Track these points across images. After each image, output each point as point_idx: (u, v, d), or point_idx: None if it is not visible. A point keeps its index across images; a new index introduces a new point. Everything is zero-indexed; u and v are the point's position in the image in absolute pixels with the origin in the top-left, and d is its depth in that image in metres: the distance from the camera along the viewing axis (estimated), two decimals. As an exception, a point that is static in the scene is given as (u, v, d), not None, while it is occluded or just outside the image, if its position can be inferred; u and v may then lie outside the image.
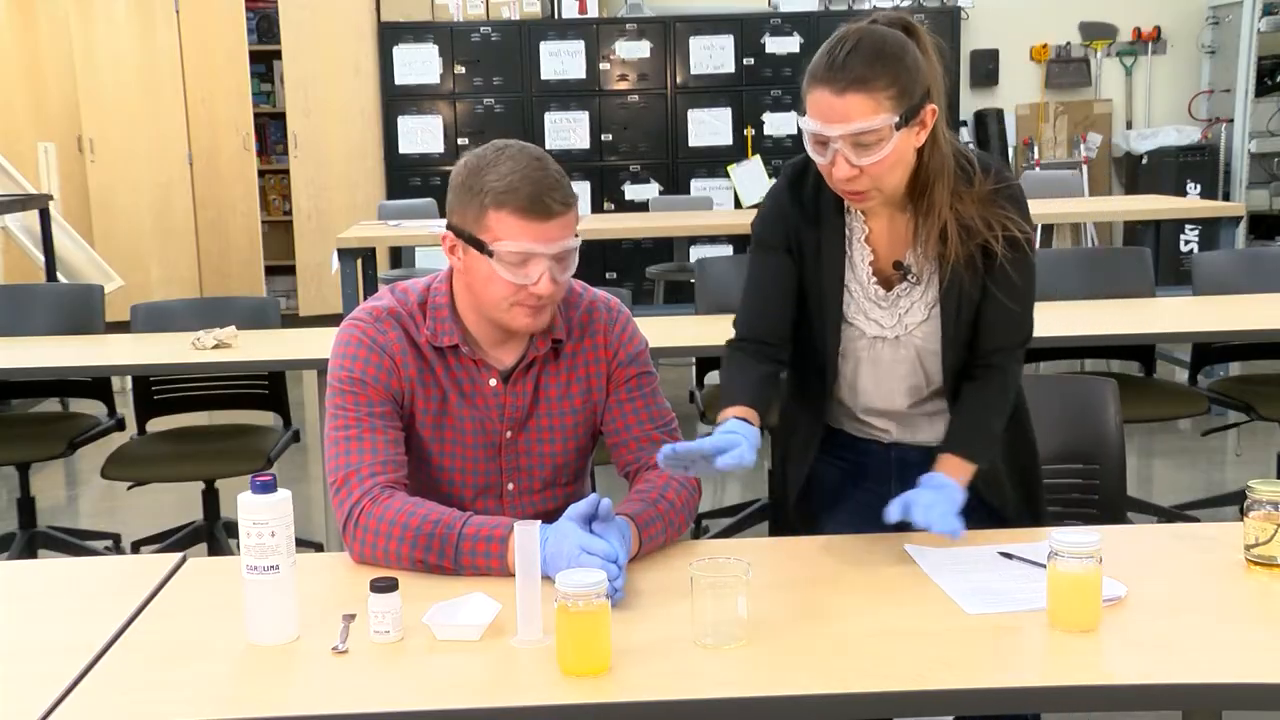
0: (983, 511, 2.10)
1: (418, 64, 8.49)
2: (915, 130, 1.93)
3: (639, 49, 8.47)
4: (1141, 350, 4.30)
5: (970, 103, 8.92)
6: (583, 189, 8.37)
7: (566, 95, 8.47)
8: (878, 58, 1.89)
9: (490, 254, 1.92)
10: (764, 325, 2.11)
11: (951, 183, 1.99)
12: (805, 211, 2.08)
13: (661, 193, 8.38)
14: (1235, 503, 4.42)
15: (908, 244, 2.06)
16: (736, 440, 1.84)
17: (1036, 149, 8.98)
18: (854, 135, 1.88)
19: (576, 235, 1.97)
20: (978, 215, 1.99)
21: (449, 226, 1.99)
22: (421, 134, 8.55)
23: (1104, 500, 2.36)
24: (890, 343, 2.08)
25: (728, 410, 1.99)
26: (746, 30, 8.46)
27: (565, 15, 8.53)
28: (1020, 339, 2.11)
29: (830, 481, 2.21)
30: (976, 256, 2.01)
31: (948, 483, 1.97)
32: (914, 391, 2.13)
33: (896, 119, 1.89)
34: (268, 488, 1.64)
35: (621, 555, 1.77)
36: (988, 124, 8.89)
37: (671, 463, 1.84)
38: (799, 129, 1.97)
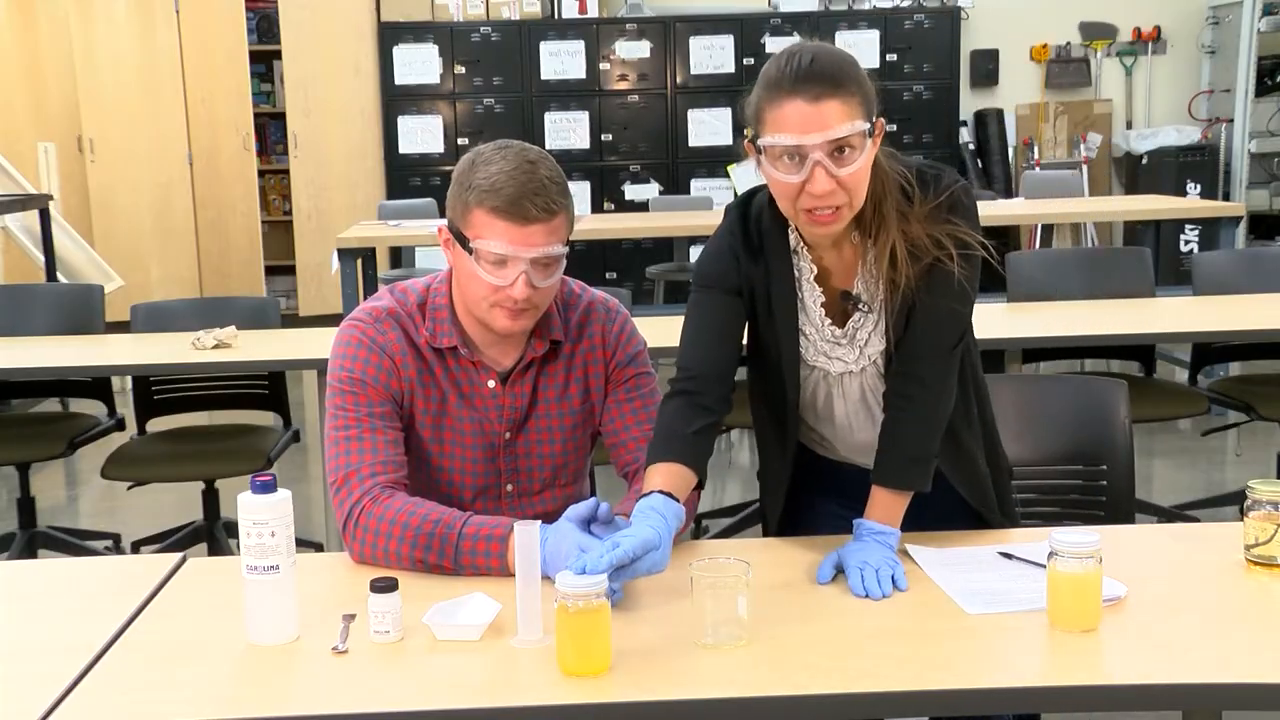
0: (963, 513, 2.08)
1: (418, 64, 8.49)
2: (873, 143, 1.86)
3: (639, 49, 8.47)
4: (1141, 350, 4.30)
5: (970, 103, 8.92)
6: (583, 189, 8.38)
7: (566, 95, 8.47)
8: (838, 66, 1.82)
9: (471, 251, 1.93)
10: (705, 369, 1.99)
11: (895, 202, 1.91)
12: (754, 256, 1.98)
13: (661, 193, 8.39)
14: (1235, 503, 4.42)
15: (854, 275, 1.98)
16: (655, 540, 1.72)
17: (1036, 149, 8.98)
18: (834, 142, 1.80)
19: (565, 244, 1.95)
20: (924, 235, 1.90)
21: (447, 221, 2.00)
22: (421, 134, 8.55)
23: (1111, 501, 2.36)
24: (856, 375, 2.01)
25: (655, 471, 1.88)
26: (746, 30, 8.46)
27: (565, 15, 8.54)
28: (947, 343, 1.96)
29: (813, 504, 2.14)
30: (914, 272, 1.92)
31: (882, 530, 1.88)
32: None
33: (867, 126, 1.82)
34: (268, 488, 1.64)
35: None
36: (988, 124, 8.89)
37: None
38: (756, 152, 1.84)
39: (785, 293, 1.99)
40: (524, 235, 1.91)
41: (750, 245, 1.99)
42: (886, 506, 1.93)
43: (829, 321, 2.00)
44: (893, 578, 1.80)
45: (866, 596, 1.77)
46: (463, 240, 1.94)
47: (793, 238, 1.98)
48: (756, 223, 1.99)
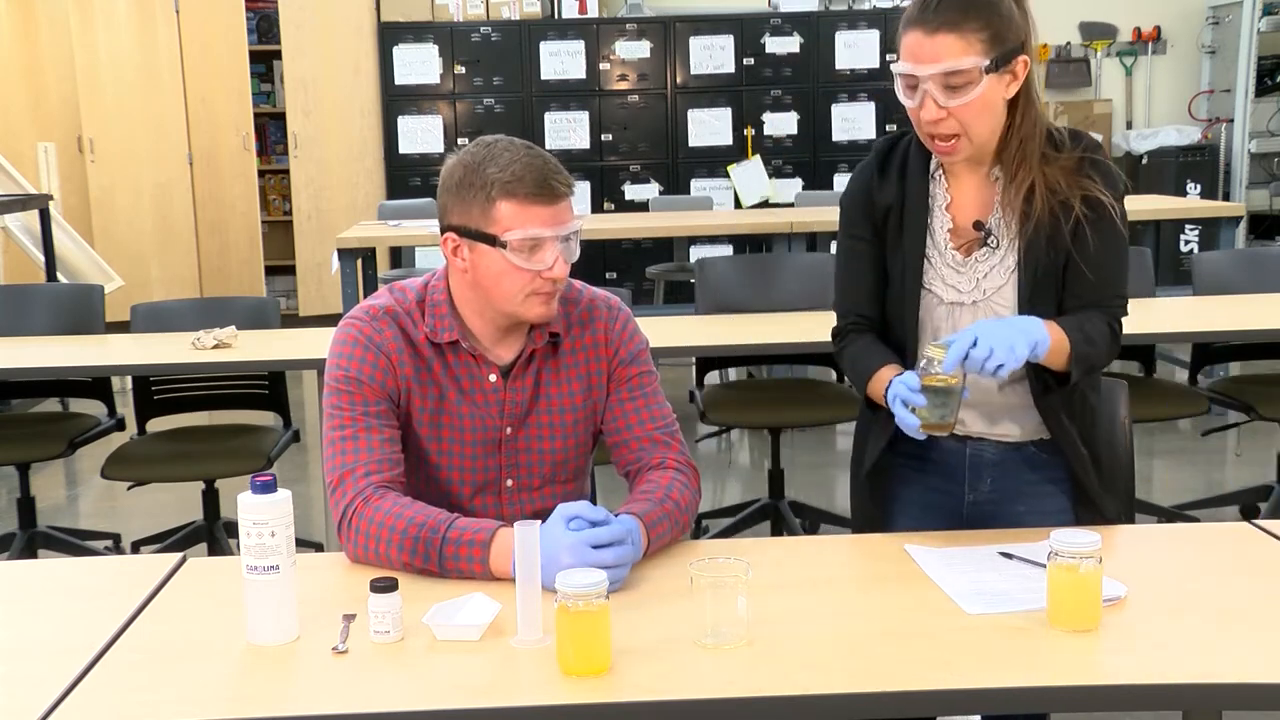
0: (1071, 498, 2.10)
1: (418, 64, 8.49)
2: (1005, 80, 1.95)
3: (639, 49, 8.47)
4: (1141, 350, 4.30)
5: (970, 103, 8.91)
6: (583, 189, 8.38)
7: (566, 95, 8.47)
8: (972, 2, 1.91)
9: (503, 246, 1.92)
10: (863, 305, 2.14)
11: (1042, 145, 2.01)
12: (889, 181, 2.10)
13: (661, 193, 8.39)
14: (1235, 503, 4.43)
15: (990, 210, 2.06)
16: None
17: (1036, 149, 8.97)
18: (943, 75, 1.90)
19: (578, 217, 2.00)
20: (1063, 179, 1.99)
21: (449, 228, 1.99)
22: (421, 134, 8.55)
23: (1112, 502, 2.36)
24: (969, 308, 2.05)
25: (883, 370, 2.02)
26: (746, 30, 8.46)
27: (565, 15, 8.54)
28: (1108, 304, 2.04)
29: (899, 477, 2.17)
30: (1061, 218, 2.00)
31: (1033, 320, 1.93)
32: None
33: (986, 62, 1.90)
34: (268, 488, 1.64)
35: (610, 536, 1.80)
36: (988, 124, 8.88)
37: None
38: (893, 76, 1.98)
39: (917, 212, 2.08)
40: (554, 214, 1.94)
41: (887, 167, 2.11)
42: (1049, 326, 1.94)
43: (952, 246, 2.07)
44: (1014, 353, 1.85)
45: (967, 361, 1.84)
46: (487, 239, 1.94)
47: (933, 163, 2.09)
48: (904, 148, 2.11)
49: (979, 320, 1.96)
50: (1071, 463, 2.09)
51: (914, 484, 2.17)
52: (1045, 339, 1.91)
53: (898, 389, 1.90)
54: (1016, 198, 2.00)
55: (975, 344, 1.84)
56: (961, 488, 2.13)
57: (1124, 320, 2.07)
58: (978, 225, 2.05)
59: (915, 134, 2.07)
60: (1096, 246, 2.01)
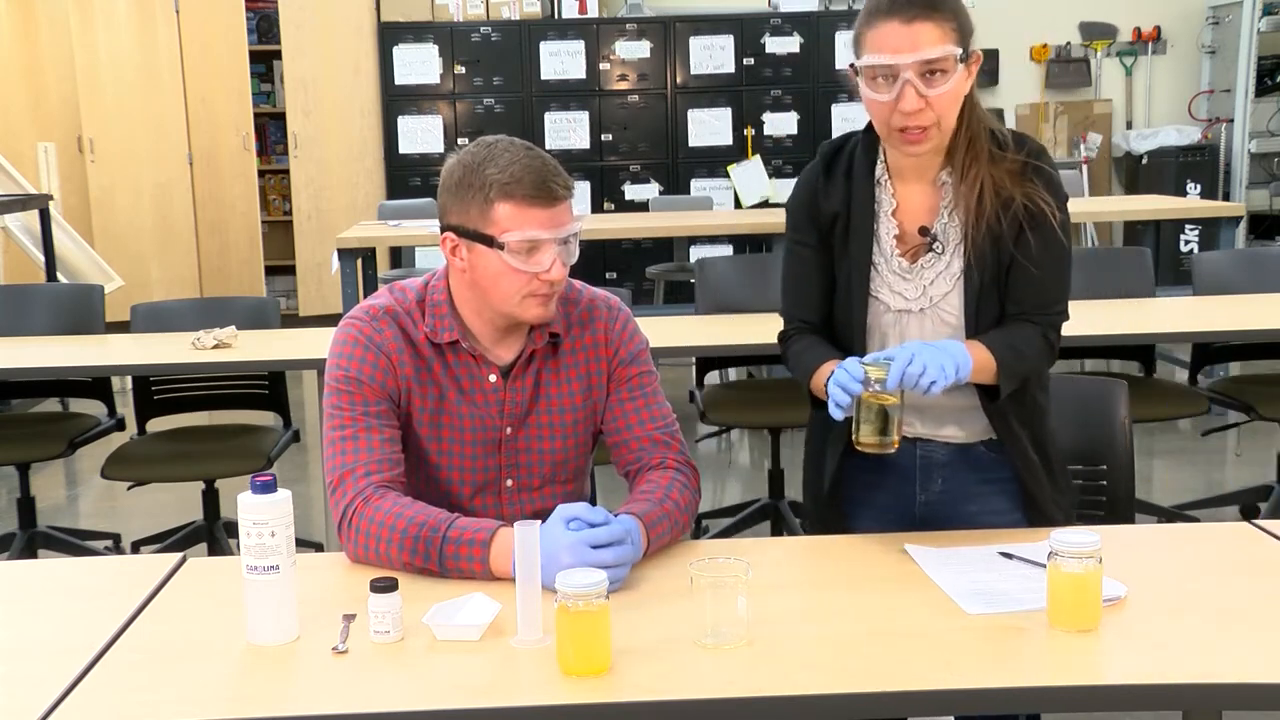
0: (1020, 500, 2.11)
1: (418, 64, 8.49)
2: (966, 73, 1.96)
3: (639, 49, 8.47)
4: (1141, 350, 4.30)
5: (970, 103, 8.91)
6: (583, 189, 8.38)
7: (566, 95, 8.47)
8: None
9: (500, 247, 1.92)
10: (807, 310, 2.14)
11: (987, 142, 2.02)
12: (835, 188, 2.09)
13: (661, 193, 8.39)
14: (1235, 503, 4.43)
15: (936, 216, 2.06)
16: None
17: (1036, 149, 8.97)
18: (925, 63, 1.90)
19: (577, 219, 1.99)
20: (1009, 181, 2.00)
21: (448, 228, 1.99)
22: (421, 134, 8.55)
23: (1112, 501, 2.36)
24: (915, 316, 2.06)
25: (827, 365, 2.01)
26: (746, 30, 8.46)
27: (565, 15, 8.54)
28: (1048, 311, 2.05)
29: (855, 481, 2.17)
30: (1005, 223, 2.00)
31: (957, 344, 1.93)
32: None
33: (960, 51, 1.92)
34: (268, 488, 1.64)
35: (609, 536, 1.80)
36: (988, 124, 8.87)
37: None
38: (853, 73, 1.97)
39: (863, 219, 2.07)
40: (552, 216, 1.94)
41: (832, 171, 2.10)
42: (973, 348, 1.95)
43: (898, 253, 2.07)
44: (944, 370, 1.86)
45: (903, 380, 1.83)
46: (485, 239, 1.94)
47: (879, 169, 2.08)
48: (850, 152, 2.10)
49: (909, 341, 1.96)
50: (1019, 471, 2.10)
51: (868, 487, 2.17)
52: (967, 362, 1.91)
53: (839, 375, 1.88)
54: (971, 194, 2.00)
55: (911, 361, 1.85)
56: (914, 488, 2.14)
57: (1062, 326, 2.08)
58: (923, 231, 2.05)
59: (861, 138, 2.09)
60: (1039, 253, 2.02)
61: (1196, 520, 4.06)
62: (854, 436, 1.91)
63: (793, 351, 2.15)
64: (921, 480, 2.13)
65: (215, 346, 3.63)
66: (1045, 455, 2.12)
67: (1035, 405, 2.12)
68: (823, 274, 2.12)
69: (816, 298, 2.13)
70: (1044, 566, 1.67)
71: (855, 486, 2.18)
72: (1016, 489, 2.11)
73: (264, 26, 8.87)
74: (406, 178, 8.55)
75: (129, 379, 4.26)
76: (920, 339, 2.03)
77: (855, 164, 2.08)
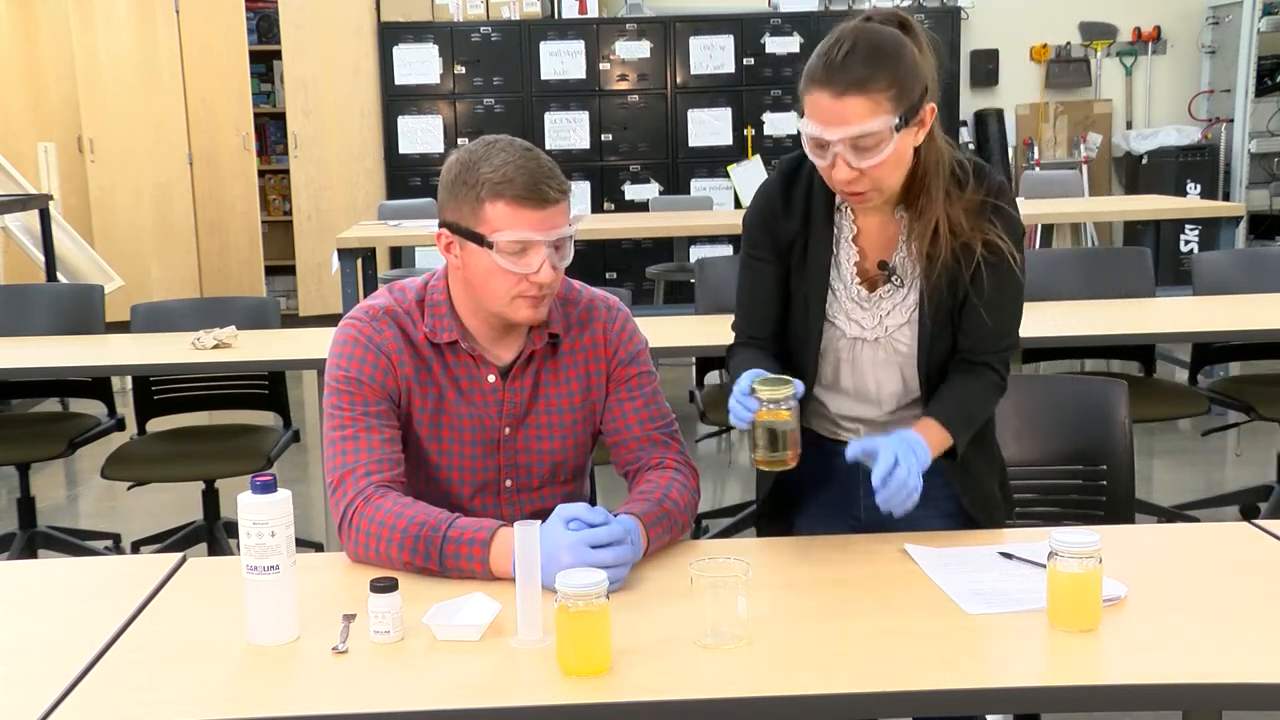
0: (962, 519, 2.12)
1: (418, 64, 8.49)
2: (914, 130, 1.92)
3: (639, 49, 8.47)
4: (1141, 350, 4.30)
5: (970, 103, 8.92)
6: (583, 189, 8.38)
7: (566, 95, 8.47)
8: (875, 58, 1.87)
9: (490, 246, 1.92)
10: (758, 326, 2.14)
11: (945, 182, 1.98)
12: (794, 210, 2.08)
13: (661, 193, 8.39)
14: (1235, 503, 4.43)
15: (895, 246, 2.05)
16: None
17: (1036, 149, 8.98)
18: (853, 139, 1.87)
19: (572, 223, 1.98)
20: (965, 220, 1.98)
21: (444, 224, 1.99)
22: (421, 134, 8.55)
23: (1112, 502, 2.36)
24: (870, 344, 2.07)
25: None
26: (746, 30, 8.46)
27: (565, 15, 8.54)
28: (998, 348, 2.07)
29: (797, 483, 2.15)
30: (962, 261, 1.99)
31: (919, 442, 1.92)
32: (892, 398, 2.10)
33: (896, 120, 1.87)
34: (268, 488, 1.64)
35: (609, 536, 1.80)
36: (988, 124, 8.88)
37: None
38: (798, 130, 1.96)
39: (823, 245, 2.07)
40: (544, 218, 1.92)
41: (791, 196, 2.08)
42: (927, 433, 1.97)
43: (858, 281, 2.06)
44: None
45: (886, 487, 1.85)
46: (476, 238, 1.94)
47: (839, 195, 2.05)
48: (810, 170, 2.06)
49: (876, 438, 1.93)
50: (960, 495, 2.11)
51: (815, 487, 2.17)
52: (926, 453, 1.93)
53: (734, 393, 1.88)
54: (923, 236, 1.99)
55: (896, 464, 1.85)
56: (857, 493, 2.12)
57: (1009, 360, 2.11)
58: (882, 265, 2.04)
59: None
60: (993, 292, 2.02)
61: (1196, 520, 4.06)
62: (751, 454, 1.91)
63: (733, 364, 2.14)
64: (867, 486, 2.05)
65: (215, 346, 3.63)
66: (990, 455, 2.16)
67: (997, 450, 2.17)
68: (779, 290, 2.12)
69: (770, 314, 2.13)
70: (1044, 566, 1.67)
71: (793, 494, 2.19)
72: (956, 492, 2.12)
73: (264, 26, 8.88)
74: (406, 178, 8.55)
75: (129, 379, 4.27)
76: (873, 366, 2.07)
77: (815, 186, 2.06)
